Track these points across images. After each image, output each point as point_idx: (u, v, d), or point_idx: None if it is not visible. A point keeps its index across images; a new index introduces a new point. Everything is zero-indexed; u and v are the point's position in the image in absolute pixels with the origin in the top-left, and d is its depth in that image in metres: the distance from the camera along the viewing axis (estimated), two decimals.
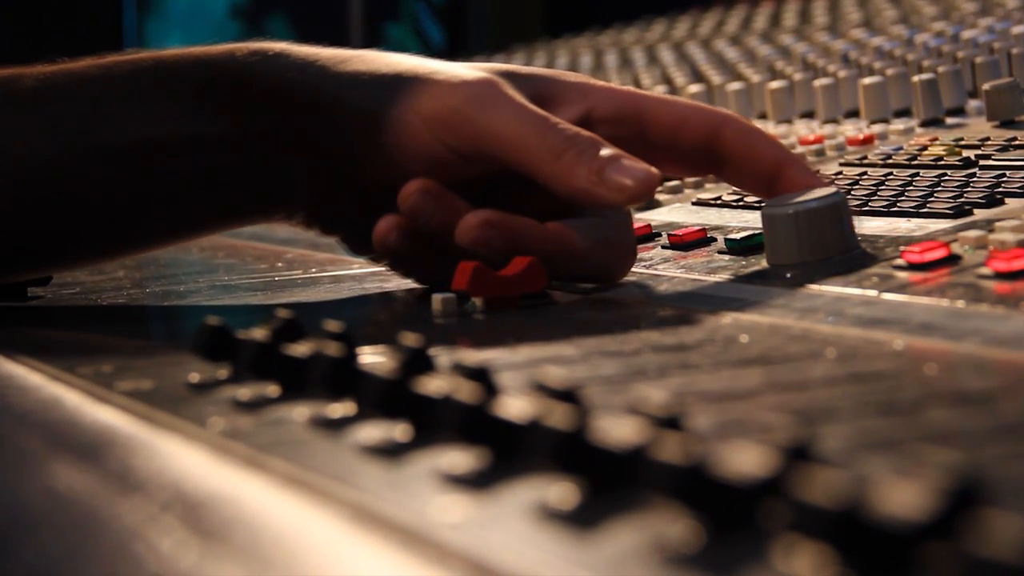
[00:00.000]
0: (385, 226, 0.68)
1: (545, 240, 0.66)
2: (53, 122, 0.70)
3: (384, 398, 0.40)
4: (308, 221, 0.73)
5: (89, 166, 0.70)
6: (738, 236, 0.69)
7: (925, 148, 0.81)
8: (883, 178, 0.77)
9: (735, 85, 1.08)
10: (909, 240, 0.62)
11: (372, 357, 0.45)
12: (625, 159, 0.64)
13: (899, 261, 0.60)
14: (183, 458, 0.41)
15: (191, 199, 0.72)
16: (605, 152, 0.65)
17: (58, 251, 0.73)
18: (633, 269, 0.69)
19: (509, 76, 0.69)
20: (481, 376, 0.39)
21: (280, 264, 0.89)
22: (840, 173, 0.81)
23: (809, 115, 1.01)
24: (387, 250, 0.69)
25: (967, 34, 1.00)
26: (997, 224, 0.60)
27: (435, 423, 0.37)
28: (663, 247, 0.73)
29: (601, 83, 0.71)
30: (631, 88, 0.72)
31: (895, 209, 0.69)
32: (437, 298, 0.64)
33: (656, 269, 0.69)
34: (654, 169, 0.64)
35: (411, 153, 0.68)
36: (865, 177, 0.78)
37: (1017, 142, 0.77)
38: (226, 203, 0.72)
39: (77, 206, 0.71)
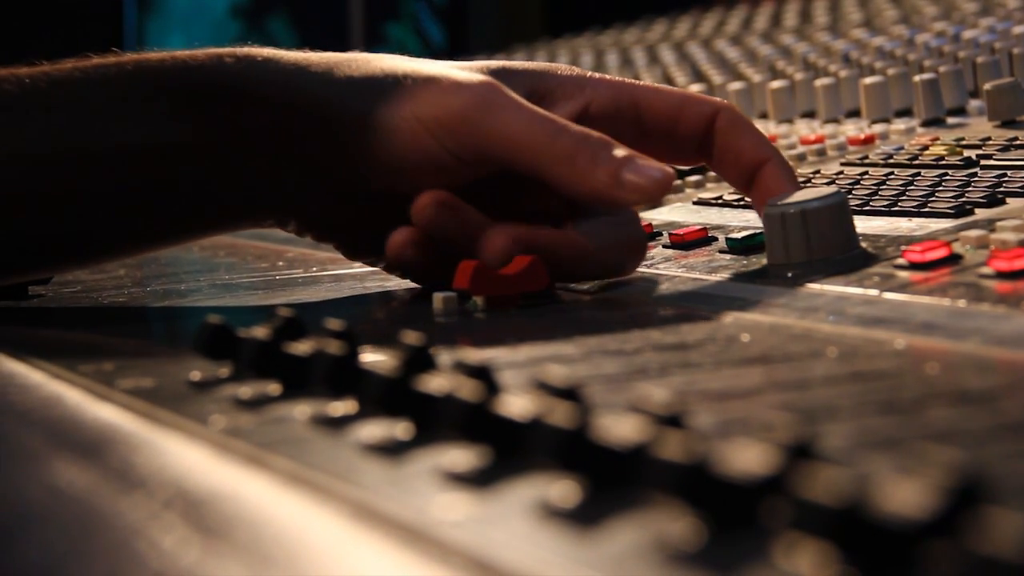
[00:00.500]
0: (400, 239, 0.67)
1: (565, 247, 0.66)
2: (34, 127, 0.68)
3: (385, 396, 0.40)
4: (300, 227, 0.72)
5: (73, 172, 0.68)
6: (739, 235, 0.69)
7: (926, 148, 0.81)
8: (884, 178, 0.77)
9: (736, 85, 1.08)
10: (910, 240, 0.62)
11: (373, 355, 0.45)
12: (639, 159, 0.64)
13: (900, 260, 0.60)
14: (184, 456, 0.41)
15: (177, 205, 0.70)
16: (619, 153, 0.64)
17: (47, 255, 0.72)
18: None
19: (503, 73, 0.68)
20: (482, 374, 0.39)
21: (281, 263, 0.89)
22: (841, 173, 0.81)
23: (810, 115, 1.01)
24: (403, 264, 0.68)
25: (968, 34, 1.00)
26: (998, 224, 0.60)
27: (436, 421, 0.37)
28: (664, 246, 0.73)
29: (596, 75, 0.70)
30: (626, 79, 0.71)
31: (896, 208, 0.69)
32: (438, 297, 0.64)
33: (657, 268, 0.69)
34: (669, 168, 0.64)
35: (409, 157, 0.67)
36: (866, 177, 0.78)
37: (1018, 142, 0.77)
38: (214, 209, 0.71)
39: (63, 211, 0.69)
